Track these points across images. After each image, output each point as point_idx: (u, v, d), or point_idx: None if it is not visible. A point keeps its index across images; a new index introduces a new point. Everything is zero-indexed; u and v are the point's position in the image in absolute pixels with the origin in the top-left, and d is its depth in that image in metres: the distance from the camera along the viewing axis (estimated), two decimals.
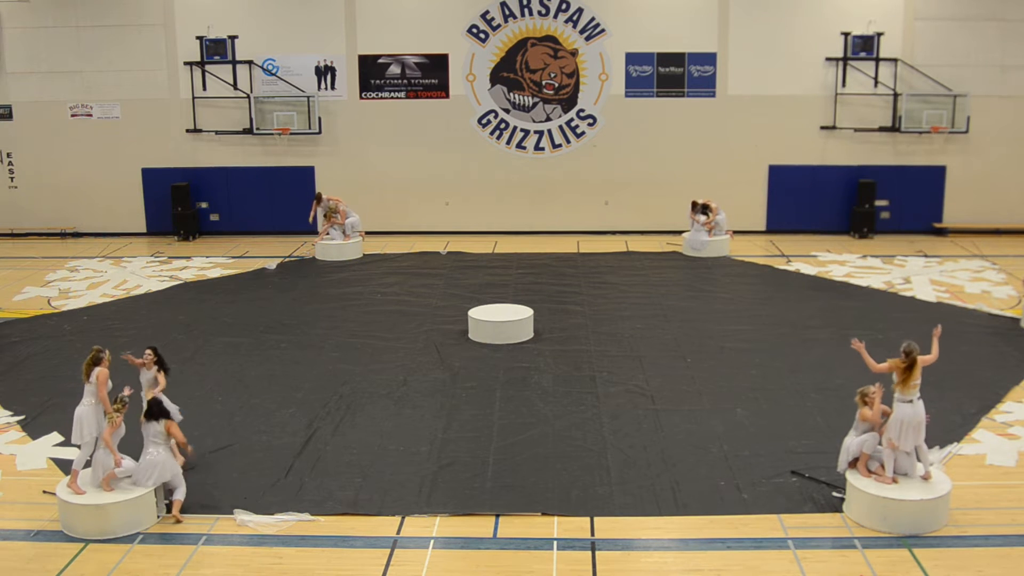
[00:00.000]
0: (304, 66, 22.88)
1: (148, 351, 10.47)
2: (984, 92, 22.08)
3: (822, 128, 22.70)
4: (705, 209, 20.70)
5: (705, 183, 22.02)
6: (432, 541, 8.97)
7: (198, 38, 22.69)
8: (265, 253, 21.55)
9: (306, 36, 22.76)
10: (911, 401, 9.17)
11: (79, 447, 9.58)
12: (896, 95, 22.34)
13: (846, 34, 22.18)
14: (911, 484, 9.17)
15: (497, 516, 9.42)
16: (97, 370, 9.56)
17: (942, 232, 22.80)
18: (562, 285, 18.30)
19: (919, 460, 9.30)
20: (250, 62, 22.82)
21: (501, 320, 14.94)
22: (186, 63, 22.88)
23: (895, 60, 22.24)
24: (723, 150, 22.80)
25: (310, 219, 21.33)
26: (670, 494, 9.80)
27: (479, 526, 9.24)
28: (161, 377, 10.36)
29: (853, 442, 9.47)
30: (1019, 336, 14.84)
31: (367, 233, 21.72)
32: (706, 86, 22.70)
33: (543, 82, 22.89)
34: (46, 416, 11.99)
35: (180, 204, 23.03)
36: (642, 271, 19.47)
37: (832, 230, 22.96)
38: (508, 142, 23.20)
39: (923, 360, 9.22)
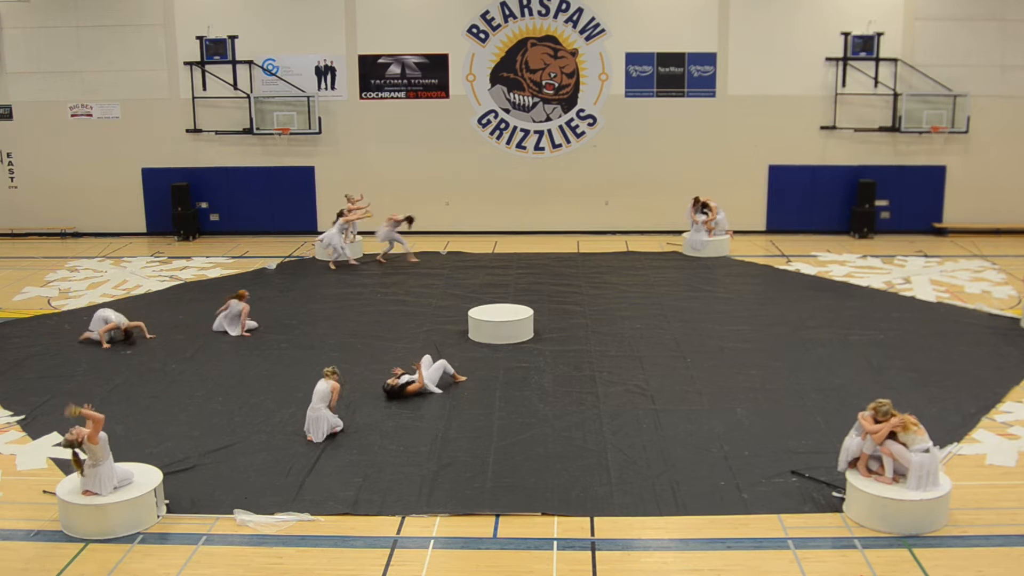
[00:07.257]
0: (304, 66, 22.88)
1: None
2: (984, 92, 22.09)
3: (822, 128, 22.69)
4: (705, 207, 20.70)
5: (705, 183, 22.01)
6: (432, 541, 8.96)
7: (198, 38, 22.68)
8: (265, 253, 21.55)
9: (306, 36, 22.75)
10: (927, 450, 9.06)
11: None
12: (896, 95, 22.33)
13: (846, 34, 22.17)
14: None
15: (497, 516, 9.42)
16: None
17: (942, 232, 22.80)
18: (562, 285, 18.29)
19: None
20: (250, 62, 22.82)
21: (501, 320, 14.93)
22: (186, 63, 22.87)
23: (895, 60, 22.23)
24: (723, 150, 22.80)
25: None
26: (670, 494, 9.79)
27: (479, 526, 9.24)
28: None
29: (853, 442, 9.46)
30: (1019, 336, 14.84)
31: (367, 233, 21.70)
32: (706, 86, 22.70)
33: (543, 82, 22.88)
34: (46, 416, 11.98)
35: (180, 204, 23.02)
36: (642, 271, 19.46)
37: (832, 230, 22.96)
38: (508, 142, 23.20)
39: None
